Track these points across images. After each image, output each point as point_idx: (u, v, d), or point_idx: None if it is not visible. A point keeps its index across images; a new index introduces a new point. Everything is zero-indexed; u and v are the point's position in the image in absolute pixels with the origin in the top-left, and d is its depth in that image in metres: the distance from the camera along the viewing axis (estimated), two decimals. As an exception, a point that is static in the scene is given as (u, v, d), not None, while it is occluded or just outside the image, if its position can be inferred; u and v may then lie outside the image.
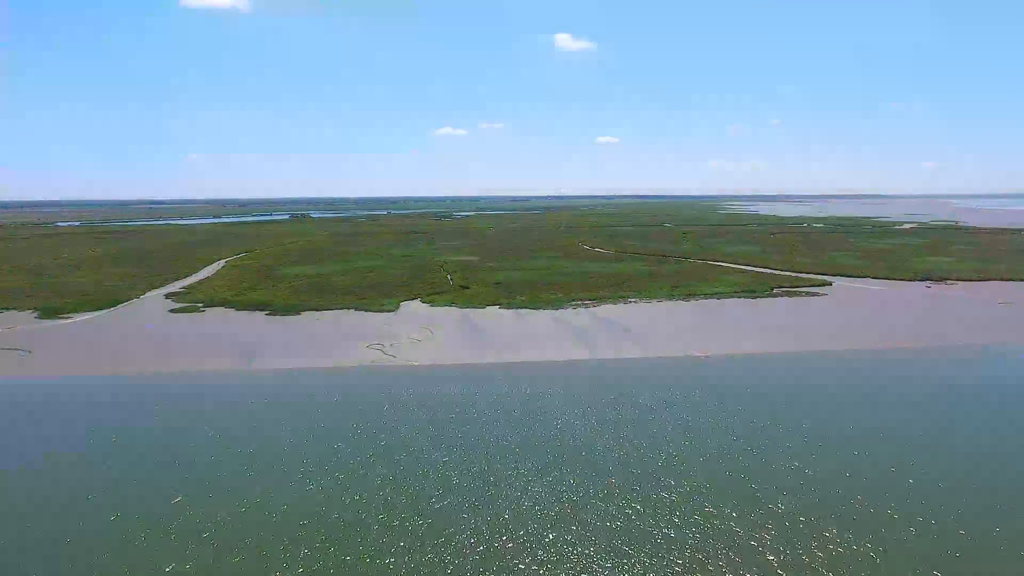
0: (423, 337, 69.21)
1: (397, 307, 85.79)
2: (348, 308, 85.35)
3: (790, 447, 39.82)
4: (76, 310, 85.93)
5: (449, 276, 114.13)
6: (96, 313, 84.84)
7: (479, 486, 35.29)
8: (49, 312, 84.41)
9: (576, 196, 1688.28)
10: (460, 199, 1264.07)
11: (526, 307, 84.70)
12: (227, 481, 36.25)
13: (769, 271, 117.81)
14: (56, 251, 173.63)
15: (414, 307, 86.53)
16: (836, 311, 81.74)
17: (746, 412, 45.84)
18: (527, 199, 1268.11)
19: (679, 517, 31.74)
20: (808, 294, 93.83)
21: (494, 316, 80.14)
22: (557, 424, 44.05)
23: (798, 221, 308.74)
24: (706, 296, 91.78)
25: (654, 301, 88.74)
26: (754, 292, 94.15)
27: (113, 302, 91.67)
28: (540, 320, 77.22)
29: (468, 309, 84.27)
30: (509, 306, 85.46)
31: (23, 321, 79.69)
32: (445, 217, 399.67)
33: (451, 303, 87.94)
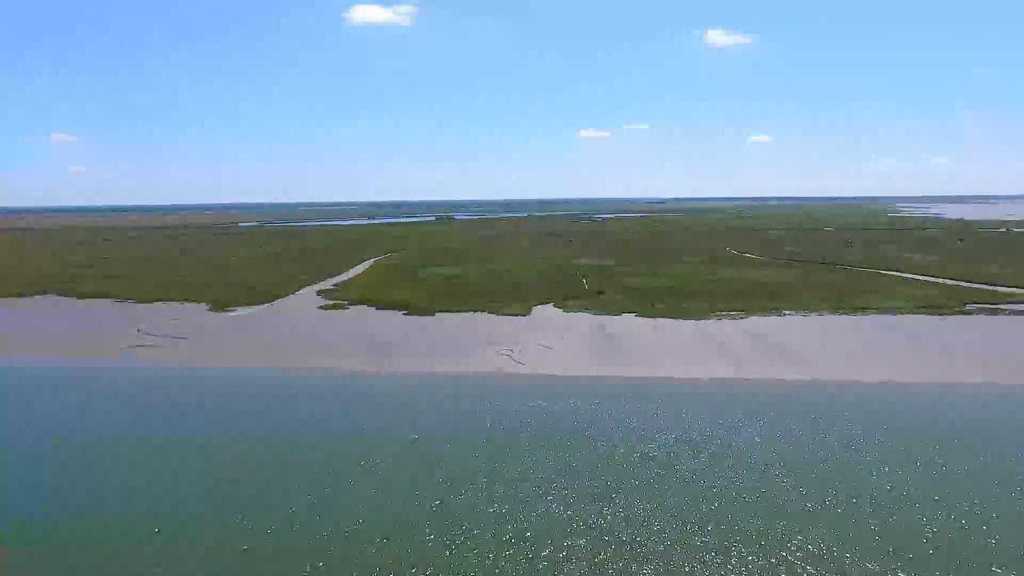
0: (553, 344, 66.34)
1: (529, 311, 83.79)
2: (481, 311, 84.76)
3: (992, 503, 31.60)
4: (241, 304, 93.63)
5: (584, 280, 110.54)
6: (256, 307, 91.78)
7: (597, 518, 31.51)
8: (219, 305, 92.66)
9: (725, 198, 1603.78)
10: (601, 201, 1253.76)
11: (665, 316, 78.87)
12: (339, 488, 35.62)
13: (957, 283, 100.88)
14: (235, 249, 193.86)
15: (547, 312, 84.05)
16: (1054, 335, 67.05)
17: (933, 455, 37.64)
18: (671, 201, 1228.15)
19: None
20: (1013, 312, 78.37)
21: (629, 325, 75.35)
22: (693, 455, 38.96)
23: (994, 225, 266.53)
24: (878, 311, 79.91)
25: (813, 314, 78.82)
26: (940, 308, 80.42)
27: (272, 297, 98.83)
28: (680, 331, 71.23)
29: (602, 316, 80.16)
30: (646, 314, 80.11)
31: (196, 312, 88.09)
32: (585, 220, 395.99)
33: (585, 309, 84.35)
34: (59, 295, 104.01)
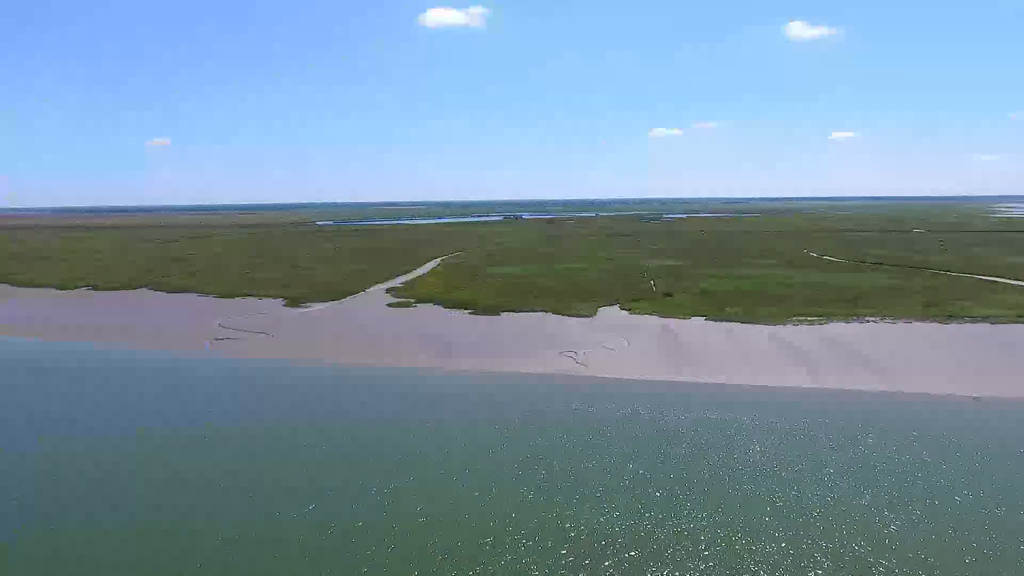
0: (617, 347, 65.16)
1: (594, 312, 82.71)
2: (546, 311, 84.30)
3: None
4: (314, 300, 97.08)
5: (652, 282, 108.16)
6: (329, 304, 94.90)
7: (654, 535, 30.49)
8: (294, 301, 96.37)
9: (804, 198, 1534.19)
10: (673, 201, 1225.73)
11: (736, 320, 75.96)
12: (407, 482, 36.11)
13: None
14: (310, 247, 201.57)
15: (612, 313, 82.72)
16: None
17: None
18: (747, 200, 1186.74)
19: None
20: None
21: (699, 329, 73.02)
22: (763, 470, 37.16)
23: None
24: (975, 319, 74.08)
25: (900, 321, 73.95)
26: (1046, 317, 73.69)
27: (343, 295, 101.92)
28: (752, 337, 68.41)
29: (670, 319, 78.08)
30: (716, 318, 77.42)
31: (272, 308, 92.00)
32: (654, 219, 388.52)
33: (652, 311, 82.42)
34: (152, 289, 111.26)
